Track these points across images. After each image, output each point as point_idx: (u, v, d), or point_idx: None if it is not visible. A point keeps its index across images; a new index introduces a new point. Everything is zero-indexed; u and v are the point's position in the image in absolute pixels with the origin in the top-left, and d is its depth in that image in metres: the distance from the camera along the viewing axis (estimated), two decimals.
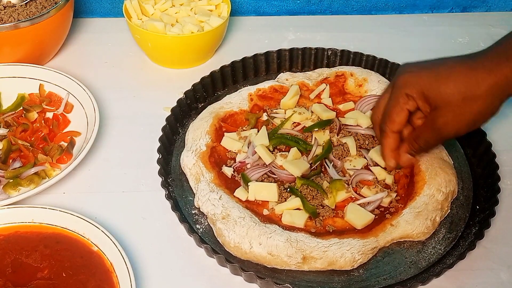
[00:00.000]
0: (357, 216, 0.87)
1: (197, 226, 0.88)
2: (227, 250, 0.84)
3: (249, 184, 0.90)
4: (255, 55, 1.12)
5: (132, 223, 0.89)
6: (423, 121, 0.84)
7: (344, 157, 0.96)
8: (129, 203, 0.93)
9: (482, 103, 0.77)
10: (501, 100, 0.78)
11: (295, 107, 1.04)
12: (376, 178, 0.93)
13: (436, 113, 0.80)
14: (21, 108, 1.04)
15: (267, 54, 1.12)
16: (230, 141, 0.97)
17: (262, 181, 0.92)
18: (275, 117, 1.02)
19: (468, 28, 1.32)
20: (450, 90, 0.77)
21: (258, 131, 0.98)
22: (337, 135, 0.99)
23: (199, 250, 0.86)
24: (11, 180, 0.92)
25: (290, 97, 1.04)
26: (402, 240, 0.86)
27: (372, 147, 0.97)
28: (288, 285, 0.78)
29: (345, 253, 0.81)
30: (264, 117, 1.02)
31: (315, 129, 0.99)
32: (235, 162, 0.95)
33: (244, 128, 1.00)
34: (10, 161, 0.95)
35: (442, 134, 0.82)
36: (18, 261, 0.80)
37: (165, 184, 0.90)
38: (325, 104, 1.05)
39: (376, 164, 0.95)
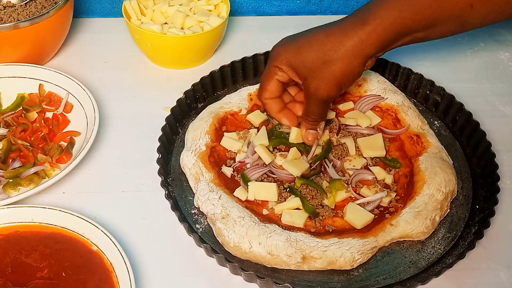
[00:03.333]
0: (356, 215, 0.87)
1: (197, 225, 0.88)
2: (227, 249, 0.84)
3: (248, 184, 0.90)
4: (255, 55, 1.12)
5: (132, 223, 0.89)
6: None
7: (344, 157, 0.96)
8: (129, 203, 0.93)
9: (341, 65, 0.84)
10: (359, 61, 0.84)
11: None
12: (376, 177, 0.93)
13: (306, 82, 0.87)
14: (21, 108, 1.04)
15: (267, 54, 1.12)
16: (229, 141, 0.97)
17: (261, 181, 0.92)
18: None
19: None
20: (310, 58, 0.85)
21: (258, 131, 0.98)
22: (337, 135, 0.99)
23: (199, 250, 0.86)
24: (11, 180, 0.92)
25: None
26: (401, 239, 0.86)
27: None
28: (288, 284, 0.78)
29: (344, 253, 0.81)
30: (264, 116, 1.02)
31: None
32: (234, 162, 0.95)
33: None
34: (10, 161, 0.95)
35: (318, 99, 0.88)
36: (18, 260, 0.80)
37: (165, 184, 0.90)
38: None
39: (375, 164, 0.95)
